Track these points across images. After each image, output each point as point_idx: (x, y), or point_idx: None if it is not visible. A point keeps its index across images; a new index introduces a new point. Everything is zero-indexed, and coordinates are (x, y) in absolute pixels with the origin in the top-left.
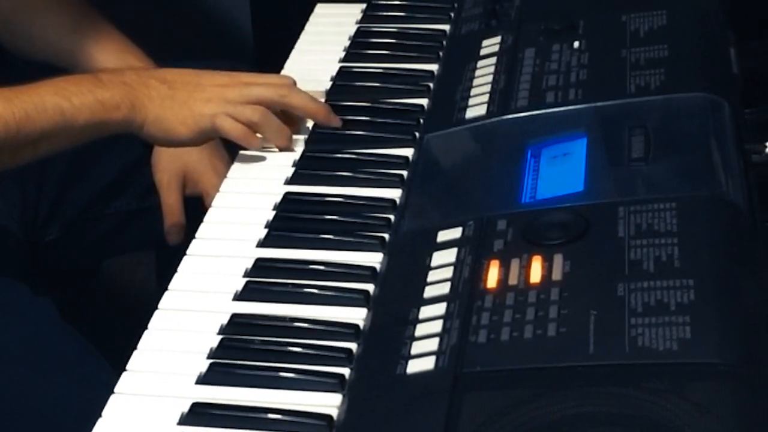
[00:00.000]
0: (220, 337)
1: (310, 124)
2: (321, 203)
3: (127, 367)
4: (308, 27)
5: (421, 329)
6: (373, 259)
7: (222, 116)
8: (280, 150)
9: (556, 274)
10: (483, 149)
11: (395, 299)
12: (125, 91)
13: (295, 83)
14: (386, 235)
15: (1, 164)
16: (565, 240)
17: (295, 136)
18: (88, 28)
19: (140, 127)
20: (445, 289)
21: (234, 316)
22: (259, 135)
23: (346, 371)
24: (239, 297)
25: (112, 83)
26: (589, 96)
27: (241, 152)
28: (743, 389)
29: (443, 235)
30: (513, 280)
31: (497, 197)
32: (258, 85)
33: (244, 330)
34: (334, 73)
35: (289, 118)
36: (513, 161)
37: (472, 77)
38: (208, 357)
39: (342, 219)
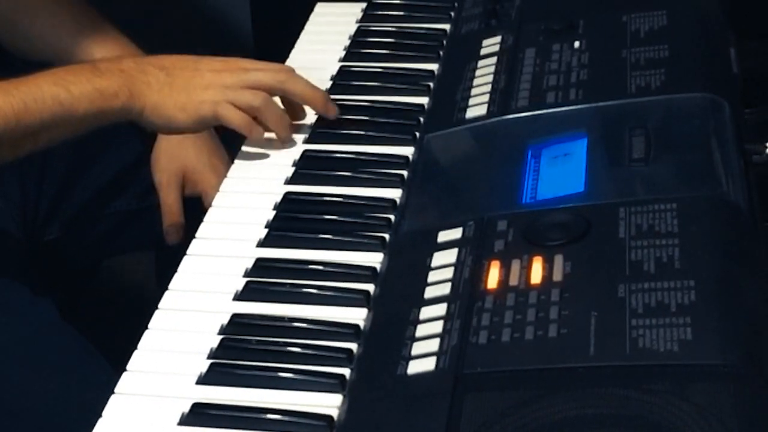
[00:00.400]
0: (221, 337)
1: (310, 123)
2: (321, 203)
3: (128, 367)
4: (308, 26)
5: (421, 330)
6: (374, 259)
7: (223, 104)
8: (280, 139)
9: (557, 275)
10: (483, 149)
11: (396, 299)
12: (123, 79)
13: (293, 71)
14: (386, 235)
15: (1, 157)
16: (566, 240)
17: (294, 136)
18: (87, 28)
19: (139, 115)
20: (445, 289)
21: (234, 316)
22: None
23: (346, 372)
24: (239, 297)
25: (110, 71)
26: (589, 96)
27: (241, 151)
28: (744, 390)
29: (444, 236)
30: (514, 281)
31: (498, 197)
32: (257, 71)
33: (244, 330)
34: (334, 73)
35: (288, 107)
36: (513, 161)
37: (473, 77)
38: (209, 357)
39: (342, 219)
